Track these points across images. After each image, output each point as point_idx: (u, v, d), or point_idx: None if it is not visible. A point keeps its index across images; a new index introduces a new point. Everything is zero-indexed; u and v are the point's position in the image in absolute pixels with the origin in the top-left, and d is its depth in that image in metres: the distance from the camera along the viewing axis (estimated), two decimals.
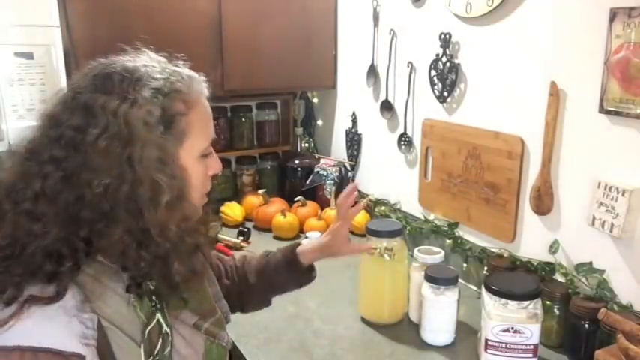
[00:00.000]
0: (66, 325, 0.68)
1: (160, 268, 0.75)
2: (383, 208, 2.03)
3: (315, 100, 2.51)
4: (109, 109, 0.72)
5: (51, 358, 0.66)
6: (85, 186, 0.70)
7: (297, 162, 2.33)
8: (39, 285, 0.69)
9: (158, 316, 0.78)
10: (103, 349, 0.71)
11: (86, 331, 0.69)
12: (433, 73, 1.72)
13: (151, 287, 0.78)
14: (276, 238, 2.07)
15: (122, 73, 0.76)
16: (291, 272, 1.18)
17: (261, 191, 2.17)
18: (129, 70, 0.77)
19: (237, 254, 1.64)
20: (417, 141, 1.86)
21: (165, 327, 0.79)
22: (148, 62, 0.80)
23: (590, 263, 1.30)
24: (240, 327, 1.35)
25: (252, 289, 1.17)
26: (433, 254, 1.45)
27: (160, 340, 0.78)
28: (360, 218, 2.04)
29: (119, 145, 0.71)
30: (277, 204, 2.14)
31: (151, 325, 0.77)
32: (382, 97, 1.99)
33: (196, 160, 0.81)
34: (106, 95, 0.73)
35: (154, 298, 0.79)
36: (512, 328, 1.18)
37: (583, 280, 1.31)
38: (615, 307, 1.23)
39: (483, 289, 1.25)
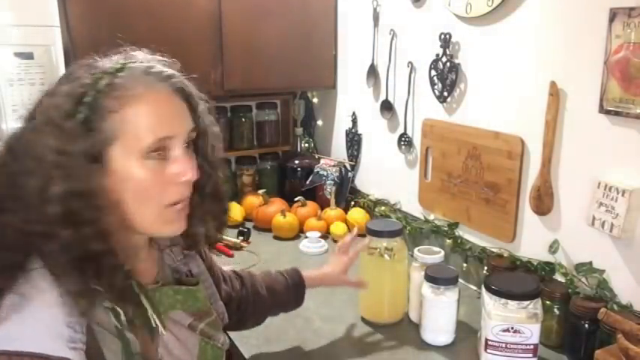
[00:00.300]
0: (53, 330, 0.68)
1: (60, 268, 0.71)
2: (383, 208, 2.03)
3: (315, 100, 2.51)
4: (38, 103, 0.74)
5: None
6: (9, 177, 0.72)
7: (297, 162, 2.33)
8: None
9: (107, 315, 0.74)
10: (94, 352, 0.71)
11: (74, 335, 0.69)
12: (433, 73, 1.72)
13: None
14: (276, 238, 2.07)
15: (72, 71, 0.76)
16: (296, 293, 1.26)
17: (261, 191, 2.17)
18: (82, 66, 0.76)
19: (237, 259, 1.63)
20: (417, 141, 1.86)
21: (120, 327, 0.75)
22: (112, 58, 0.78)
23: (590, 263, 1.30)
24: None
25: (260, 301, 1.19)
26: (433, 254, 1.45)
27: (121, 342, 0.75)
28: (360, 218, 2.05)
29: (31, 136, 0.72)
30: (277, 204, 2.14)
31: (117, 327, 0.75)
32: (382, 97, 1.99)
33: (140, 161, 0.74)
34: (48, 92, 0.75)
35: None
36: (512, 328, 1.18)
37: (583, 280, 1.31)
38: (615, 307, 1.23)
39: (483, 289, 1.25)
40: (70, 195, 0.70)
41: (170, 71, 0.79)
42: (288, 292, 1.25)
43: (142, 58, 0.80)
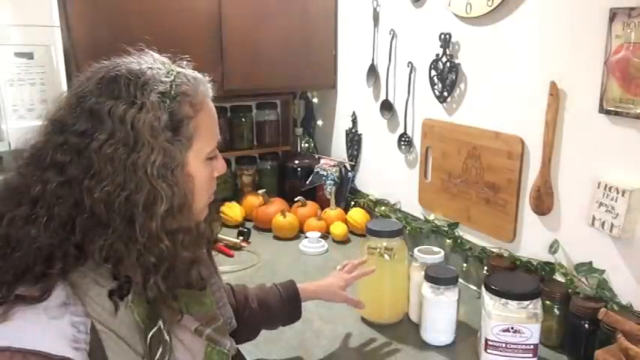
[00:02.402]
0: (57, 329, 0.68)
1: (151, 280, 0.73)
2: (383, 208, 2.03)
3: (315, 100, 2.51)
4: (116, 114, 0.71)
5: None
6: (85, 192, 0.70)
7: (297, 162, 2.33)
8: (26, 286, 0.69)
9: (160, 322, 0.76)
10: (96, 353, 0.71)
11: (78, 335, 0.69)
12: (433, 73, 1.72)
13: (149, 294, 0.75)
14: (276, 238, 2.07)
15: (128, 77, 0.75)
16: (290, 307, 1.24)
17: (261, 191, 2.17)
18: (134, 73, 0.76)
19: (237, 259, 1.61)
20: (417, 141, 1.86)
21: (165, 334, 0.77)
22: (153, 64, 0.79)
23: (590, 263, 1.30)
24: None
25: (252, 315, 1.17)
26: (433, 254, 1.45)
27: (161, 347, 0.76)
28: (360, 218, 2.05)
29: (124, 151, 0.70)
30: (277, 204, 2.14)
31: (152, 332, 0.75)
32: (382, 97, 1.99)
33: (203, 163, 0.81)
34: (113, 100, 0.72)
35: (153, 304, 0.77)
36: (512, 328, 1.18)
37: (583, 280, 1.31)
38: (615, 307, 1.23)
39: (483, 289, 1.25)
40: (179, 207, 0.74)
41: (206, 76, 0.85)
42: (283, 305, 1.23)
43: (162, 59, 0.82)
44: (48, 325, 0.68)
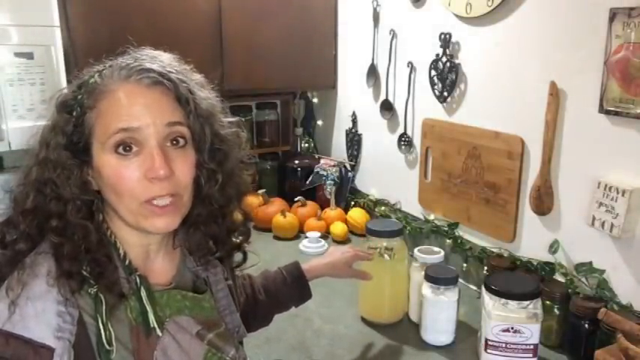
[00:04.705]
0: (43, 317, 0.69)
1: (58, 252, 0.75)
2: (383, 208, 2.03)
3: (315, 100, 2.51)
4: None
5: (20, 345, 0.67)
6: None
7: (297, 162, 2.33)
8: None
9: (99, 317, 0.73)
10: (83, 344, 0.71)
11: (63, 325, 0.69)
12: (433, 73, 1.72)
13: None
14: (276, 238, 2.07)
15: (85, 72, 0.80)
16: (298, 288, 1.23)
17: (261, 191, 2.17)
18: (93, 66, 0.80)
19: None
20: (417, 141, 1.86)
21: (98, 315, 0.73)
22: (117, 59, 0.80)
23: (590, 263, 1.30)
24: None
25: (261, 305, 1.17)
26: (433, 254, 1.45)
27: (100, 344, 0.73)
28: (360, 218, 2.05)
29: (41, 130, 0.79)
30: (277, 204, 2.14)
31: (100, 326, 0.73)
32: (382, 97, 1.99)
33: (109, 155, 0.74)
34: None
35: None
36: (512, 328, 1.18)
37: (583, 280, 1.31)
38: (615, 307, 1.23)
39: (483, 289, 1.25)
40: (44, 184, 0.75)
41: (148, 65, 0.76)
42: (289, 289, 1.22)
43: (140, 56, 0.80)
44: (33, 312, 0.69)
